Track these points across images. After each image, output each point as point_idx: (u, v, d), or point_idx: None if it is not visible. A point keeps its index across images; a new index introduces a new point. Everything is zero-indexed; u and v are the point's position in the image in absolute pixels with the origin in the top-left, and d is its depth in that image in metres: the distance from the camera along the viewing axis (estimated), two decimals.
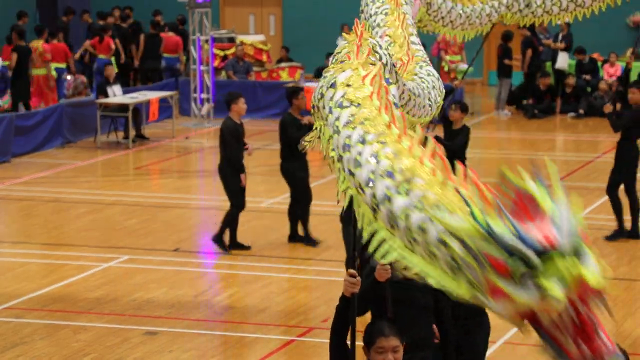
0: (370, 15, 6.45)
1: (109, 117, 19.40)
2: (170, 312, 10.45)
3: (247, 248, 12.48)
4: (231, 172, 12.23)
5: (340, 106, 3.82)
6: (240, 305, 10.69)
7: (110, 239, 13.06)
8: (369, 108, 3.73)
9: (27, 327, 9.98)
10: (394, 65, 4.80)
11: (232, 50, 23.50)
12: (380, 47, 4.69)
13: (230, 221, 12.33)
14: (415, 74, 5.67)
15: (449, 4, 7.37)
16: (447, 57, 23.00)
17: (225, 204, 15.07)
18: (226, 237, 12.46)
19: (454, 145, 12.37)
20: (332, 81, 3.93)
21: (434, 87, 5.70)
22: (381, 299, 6.37)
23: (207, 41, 21.37)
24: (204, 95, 21.32)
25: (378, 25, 6.35)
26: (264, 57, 24.14)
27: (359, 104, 3.77)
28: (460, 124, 12.66)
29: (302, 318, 10.31)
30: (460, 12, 7.44)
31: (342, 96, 3.85)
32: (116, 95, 19.46)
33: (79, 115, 19.41)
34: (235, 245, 12.43)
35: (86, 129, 19.41)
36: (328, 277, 11.71)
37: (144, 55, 23.81)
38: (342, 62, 4.43)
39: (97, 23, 24.59)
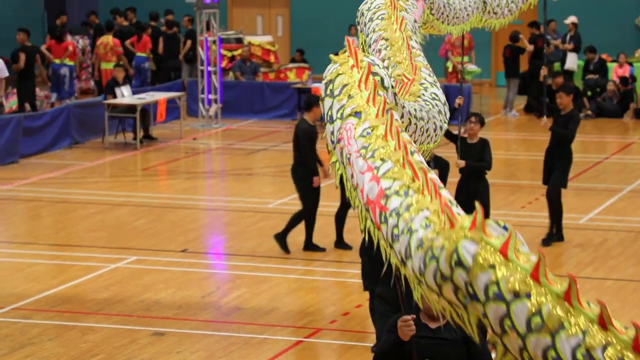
0: (365, 24, 6.23)
1: (117, 117, 19.42)
2: (178, 312, 10.45)
3: (323, 250, 12.33)
4: (304, 174, 12.14)
5: (500, 299, 3.02)
6: (248, 306, 10.68)
7: (118, 239, 13.07)
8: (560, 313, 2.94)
9: (35, 328, 9.98)
10: (392, 87, 4.44)
11: (240, 51, 23.50)
12: (379, 66, 4.35)
13: (301, 221, 12.23)
14: (419, 97, 5.28)
15: (437, 1, 7.36)
16: (454, 58, 22.97)
17: (230, 205, 15.06)
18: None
19: (489, 165, 11.48)
20: (492, 264, 3.08)
21: (439, 111, 5.30)
22: (407, 358, 5.45)
23: (214, 42, 21.37)
24: (211, 96, 21.33)
25: (373, 30, 6.07)
26: (272, 58, 24.12)
27: (529, 293, 2.99)
28: (477, 138, 11.69)
29: (311, 319, 10.30)
30: (450, 6, 7.45)
31: (507, 282, 3.04)
32: (124, 96, 19.47)
33: (87, 116, 19.42)
34: (310, 247, 12.33)
35: (94, 130, 19.42)
36: (336, 278, 11.69)
37: (164, 55, 23.84)
38: (348, 95, 4.06)
39: (87, 24, 24.74)
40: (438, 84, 5.62)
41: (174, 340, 9.69)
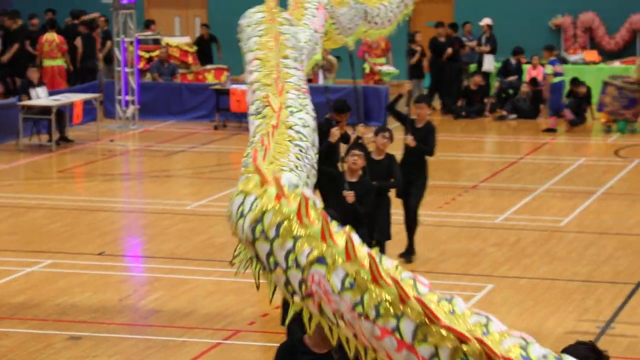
0: (245, 42, 6.03)
1: (32, 119, 19.14)
2: (94, 316, 10.35)
3: None
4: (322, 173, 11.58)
5: None
6: (165, 309, 10.63)
7: (33, 243, 12.89)
8: None
9: None
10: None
11: (157, 52, 23.35)
12: (301, 183, 3.78)
13: None
14: (291, 127, 4.63)
15: (337, 11, 7.42)
16: (371, 60, 23.12)
17: (148, 207, 14.95)
18: None
19: (400, 182, 11.10)
20: None
21: (313, 145, 4.73)
22: None
23: (131, 43, 21.19)
24: (128, 98, 21.15)
25: (250, 49, 5.72)
26: (190, 59, 24.01)
27: None
28: (384, 154, 11.15)
29: (229, 321, 10.28)
30: (343, 16, 7.53)
31: None
32: (40, 97, 19.20)
33: (0, 117, 19.10)
34: None
35: (8, 132, 19.11)
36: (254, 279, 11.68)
37: (83, 56, 23.55)
38: (291, 236, 3.48)
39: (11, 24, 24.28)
40: (308, 107, 5.06)
41: (90, 344, 9.60)
